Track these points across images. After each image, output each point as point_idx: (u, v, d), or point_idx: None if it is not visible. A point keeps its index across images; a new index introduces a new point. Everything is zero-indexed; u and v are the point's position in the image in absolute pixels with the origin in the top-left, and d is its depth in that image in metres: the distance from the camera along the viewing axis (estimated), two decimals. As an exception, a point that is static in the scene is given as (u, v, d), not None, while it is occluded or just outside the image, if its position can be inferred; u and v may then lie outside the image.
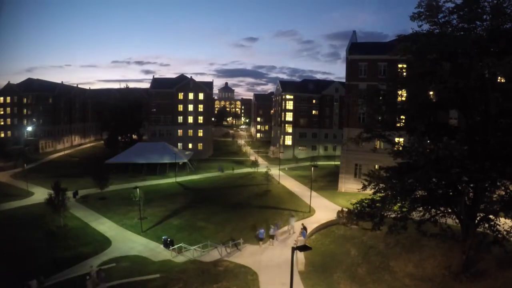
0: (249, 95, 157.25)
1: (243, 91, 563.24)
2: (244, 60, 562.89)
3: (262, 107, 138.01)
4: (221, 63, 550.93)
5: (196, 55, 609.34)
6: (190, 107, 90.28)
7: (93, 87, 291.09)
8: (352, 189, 47.26)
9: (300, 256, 27.12)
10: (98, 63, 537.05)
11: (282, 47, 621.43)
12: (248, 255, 29.49)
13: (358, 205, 24.47)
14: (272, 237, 31.78)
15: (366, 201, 24.29)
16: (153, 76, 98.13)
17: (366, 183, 24.50)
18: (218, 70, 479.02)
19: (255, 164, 69.46)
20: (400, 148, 24.73)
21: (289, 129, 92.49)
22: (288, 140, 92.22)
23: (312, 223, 36.28)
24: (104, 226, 37.52)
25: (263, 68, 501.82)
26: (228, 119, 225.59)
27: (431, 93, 25.94)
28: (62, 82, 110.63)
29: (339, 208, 38.70)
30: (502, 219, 22.60)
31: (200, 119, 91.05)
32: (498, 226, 22.66)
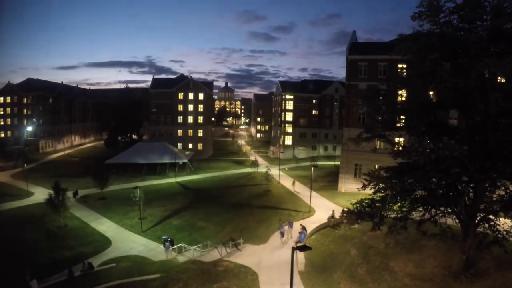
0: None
1: (256, 90, 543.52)
2: (267, 56, 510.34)
3: (262, 107, 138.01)
4: (239, 59, 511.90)
5: (214, 50, 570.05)
6: (190, 107, 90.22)
7: (103, 87, 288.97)
8: (352, 189, 47.21)
9: (300, 256, 27.14)
10: (104, 62, 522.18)
11: (314, 39, 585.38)
12: (248, 255, 29.49)
13: (358, 205, 24.46)
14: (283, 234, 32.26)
15: (366, 201, 24.28)
16: (153, 76, 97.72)
17: (366, 183, 24.50)
18: (235, 69, 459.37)
19: (255, 164, 69.44)
20: (400, 148, 24.70)
21: (289, 129, 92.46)
22: (288, 140, 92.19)
23: (312, 223, 36.27)
24: (104, 226, 37.52)
25: (282, 68, 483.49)
26: (228, 119, 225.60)
27: (431, 93, 25.90)
28: (62, 82, 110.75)
29: (339, 208, 38.70)
30: (502, 219, 22.61)
31: (200, 119, 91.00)
32: (498, 226, 22.64)
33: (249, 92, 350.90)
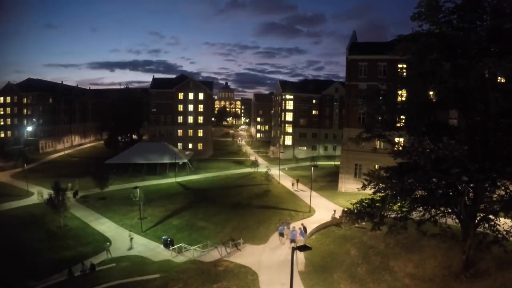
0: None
1: (264, 90, 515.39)
2: (284, 53, 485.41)
3: (262, 107, 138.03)
4: (252, 56, 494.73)
5: (226, 46, 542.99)
6: (190, 107, 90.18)
7: (108, 87, 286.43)
8: (352, 189, 47.21)
9: (300, 256, 27.14)
10: (110, 62, 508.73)
11: (337, 33, 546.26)
12: (248, 255, 29.49)
13: (358, 205, 24.46)
14: (282, 235, 32.30)
15: (366, 201, 24.29)
16: (153, 76, 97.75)
17: (366, 183, 24.50)
18: (247, 67, 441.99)
19: (255, 164, 69.43)
20: (400, 148, 24.72)
21: (289, 129, 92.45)
22: (288, 140, 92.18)
23: (312, 223, 36.26)
24: (104, 226, 37.52)
25: (297, 67, 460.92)
26: (228, 119, 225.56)
27: (431, 93, 25.92)
28: (62, 82, 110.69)
29: (340, 208, 38.67)
30: (502, 219, 22.62)
31: (200, 119, 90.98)
32: (498, 226, 22.66)
33: (260, 92, 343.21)
